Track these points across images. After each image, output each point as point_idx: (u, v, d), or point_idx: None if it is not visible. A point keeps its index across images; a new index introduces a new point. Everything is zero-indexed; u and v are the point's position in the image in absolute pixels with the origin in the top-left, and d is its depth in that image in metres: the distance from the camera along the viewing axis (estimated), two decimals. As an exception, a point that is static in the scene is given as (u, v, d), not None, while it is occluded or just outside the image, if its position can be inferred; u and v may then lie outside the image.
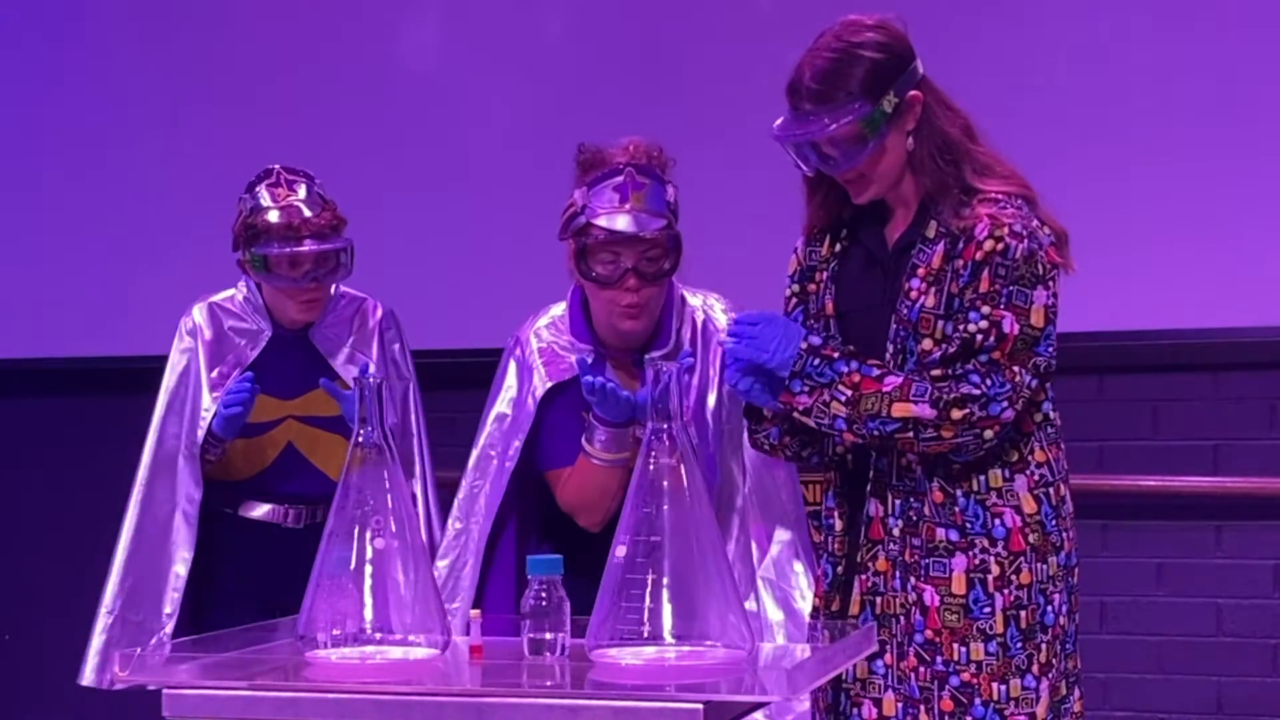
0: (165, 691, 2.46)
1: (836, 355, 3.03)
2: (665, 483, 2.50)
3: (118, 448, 4.34)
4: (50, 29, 5.76)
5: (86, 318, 5.66)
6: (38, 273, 5.73)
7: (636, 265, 3.38)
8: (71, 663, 3.95)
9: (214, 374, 3.95)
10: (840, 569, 3.17)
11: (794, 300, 3.26)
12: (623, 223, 3.36)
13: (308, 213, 3.84)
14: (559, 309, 3.56)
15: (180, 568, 3.91)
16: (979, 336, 3.01)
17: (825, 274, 3.21)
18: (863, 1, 3.16)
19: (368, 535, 2.56)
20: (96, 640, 3.92)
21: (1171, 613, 4.83)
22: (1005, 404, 3.01)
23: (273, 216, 3.83)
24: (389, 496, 2.59)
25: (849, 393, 3.00)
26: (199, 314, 4.01)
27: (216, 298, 4.04)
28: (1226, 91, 4.75)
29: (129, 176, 5.65)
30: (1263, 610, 4.77)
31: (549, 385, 3.48)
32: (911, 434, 3.00)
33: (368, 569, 2.55)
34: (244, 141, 5.47)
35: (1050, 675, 3.09)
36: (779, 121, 3.10)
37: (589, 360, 3.43)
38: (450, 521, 3.57)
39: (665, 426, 2.52)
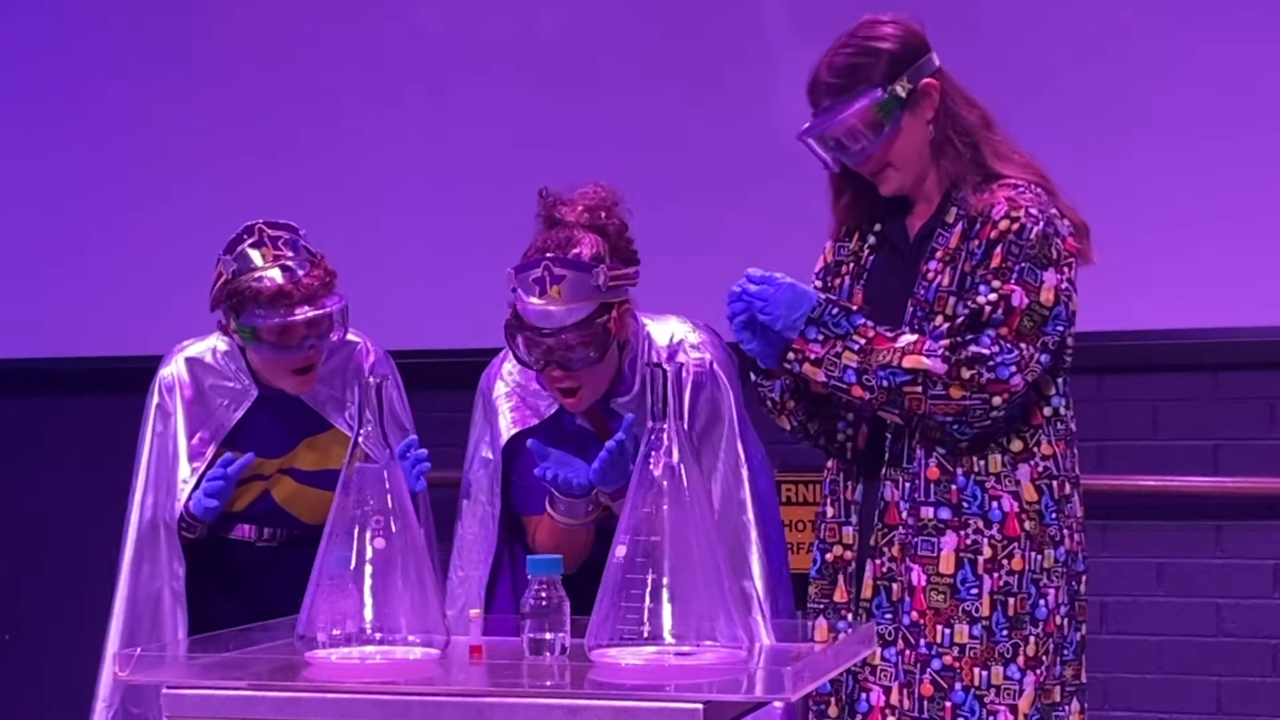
0: (165, 691, 2.46)
1: (854, 309, 3.06)
2: (665, 483, 2.50)
3: (117, 448, 4.33)
4: (50, 28, 5.76)
5: (86, 318, 5.66)
6: (39, 273, 5.73)
7: (555, 356, 3.32)
8: (71, 663, 3.91)
9: (194, 440, 3.64)
10: (830, 555, 3.17)
11: None
12: (535, 315, 3.31)
13: (299, 274, 3.49)
14: None
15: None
16: (987, 308, 3.02)
17: (852, 266, 3.22)
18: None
19: (368, 535, 2.56)
20: None
21: (1171, 613, 4.83)
22: (1014, 369, 3.00)
23: (261, 282, 3.47)
24: (389, 496, 2.59)
25: (861, 342, 3.02)
26: (176, 369, 3.67)
27: (192, 351, 3.70)
28: (1228, 92, 4.74)
29: (130, 175, 5.64)
30: (1263, 610, 4.77)
31: (513, 432, 3.48)
32: (920, 389, 3.00)
33: (368, 569, 2.54)
34: (245, 140, 5.47)
35: (1038, 671, 3.07)
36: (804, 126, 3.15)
37: (553, 412, 3.43)
38: (453, 570, 3.55)
39: (664, 426, 2.52)
